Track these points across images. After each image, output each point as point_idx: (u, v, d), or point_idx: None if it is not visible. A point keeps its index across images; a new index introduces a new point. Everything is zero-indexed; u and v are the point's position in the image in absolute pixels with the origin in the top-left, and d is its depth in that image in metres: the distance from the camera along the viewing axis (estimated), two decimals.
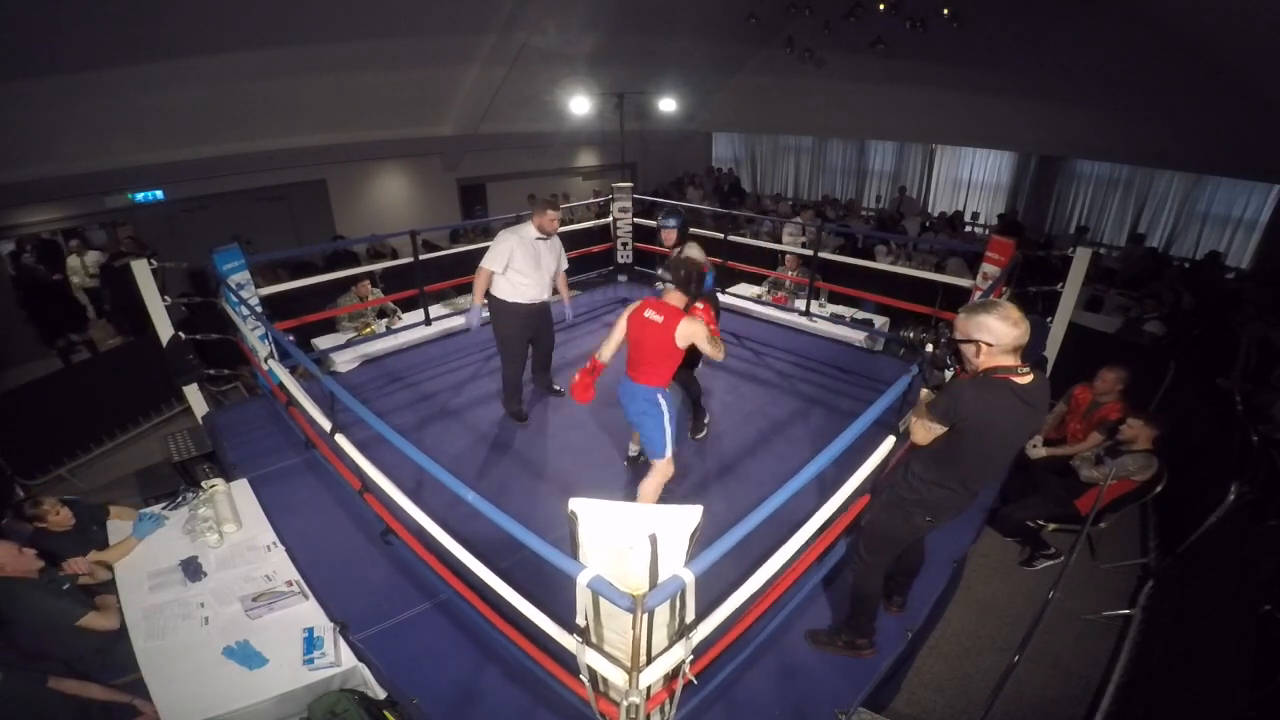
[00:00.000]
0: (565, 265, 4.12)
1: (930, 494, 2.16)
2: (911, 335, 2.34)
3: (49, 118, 6.13)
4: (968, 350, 2.01)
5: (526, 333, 4.01)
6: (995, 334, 1.93)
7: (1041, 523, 3.62)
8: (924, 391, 2.25)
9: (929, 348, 2.22)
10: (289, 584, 2.70)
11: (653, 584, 1.54)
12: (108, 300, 7.91)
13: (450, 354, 5.17)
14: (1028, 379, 1.96)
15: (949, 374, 2.27)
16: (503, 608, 2.24)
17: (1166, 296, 6.11)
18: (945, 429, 2.04)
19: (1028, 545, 3.68)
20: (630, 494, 3.43)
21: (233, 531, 3.02)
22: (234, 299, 3.94)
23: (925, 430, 2.09)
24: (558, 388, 4.48)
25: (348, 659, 2.39)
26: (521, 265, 3.78)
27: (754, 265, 6.18)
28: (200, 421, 4.33)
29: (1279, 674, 2.18)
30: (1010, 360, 1.95)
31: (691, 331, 2.80)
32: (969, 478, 2.13)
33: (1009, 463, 2.44)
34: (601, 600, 1.58)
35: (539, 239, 3.85)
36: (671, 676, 1.83)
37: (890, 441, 2.67)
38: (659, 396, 2.94)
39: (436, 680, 2.42)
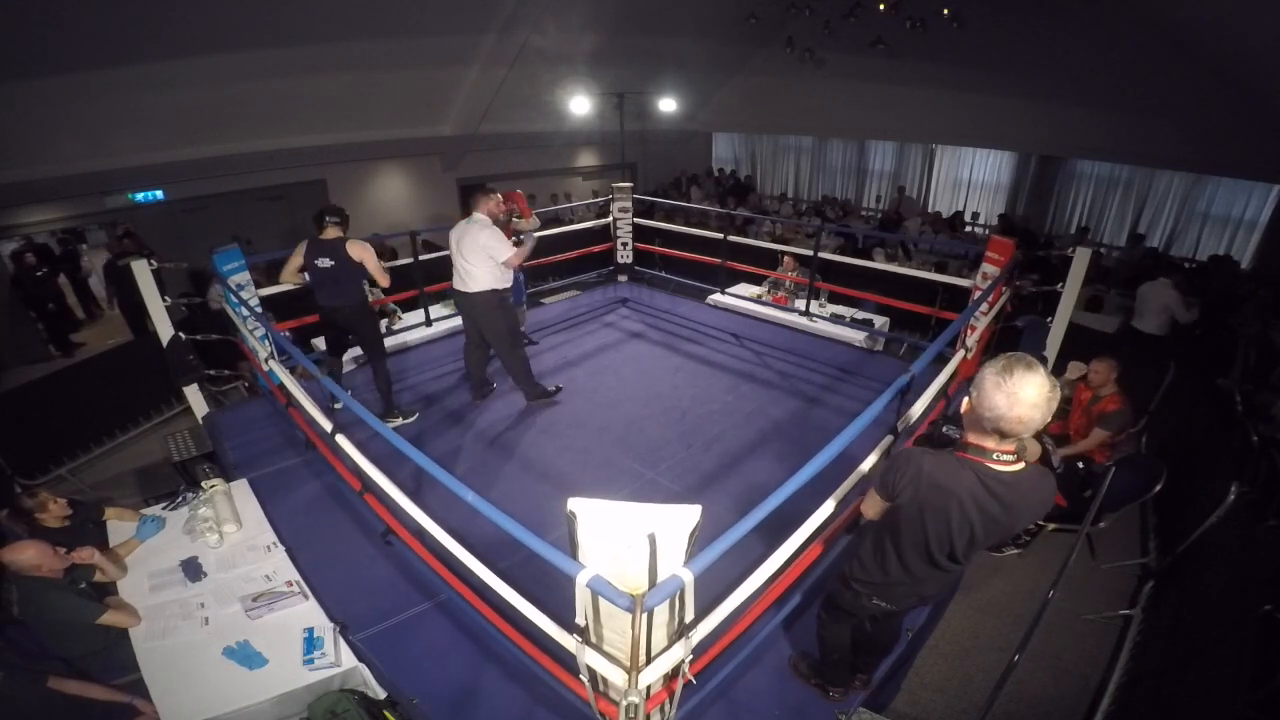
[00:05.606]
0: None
1: (874, 575, 1.91)
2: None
3: (49, 118, 6.12)
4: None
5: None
6: (981, 400, 1.47)
7: (1041, 523, 3.62)
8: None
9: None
10: (289, 584, 2.70)
11: (652, 583, 1.54)
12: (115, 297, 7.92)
13: (450, 354, 5.16)
14: (1008, 467, 1.53)
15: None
16: (503, 608, 2.24)
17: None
18: (885, 503, 1.75)
19: None
20: (633, 497, 3.44)
21: (233, 531, 3.02)
22: (234, 299, 3.95)
23: (871, 501, 1.83)
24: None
25: (348, 659, 2.39)
26: None
27: (754, 265, 6.18)
28: (200, 421, 4.33)
29: (1279, 674, 2.18)
30: (989, 442, 1.52)
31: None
32: (907, 561, 1.79)
33: (963, 557, 1.73)
34: (601, 600, 1.58)
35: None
36: (671, 676, 1.83)
37: (888, 440, 2.67)
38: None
39: (436, 680, 2.42)
